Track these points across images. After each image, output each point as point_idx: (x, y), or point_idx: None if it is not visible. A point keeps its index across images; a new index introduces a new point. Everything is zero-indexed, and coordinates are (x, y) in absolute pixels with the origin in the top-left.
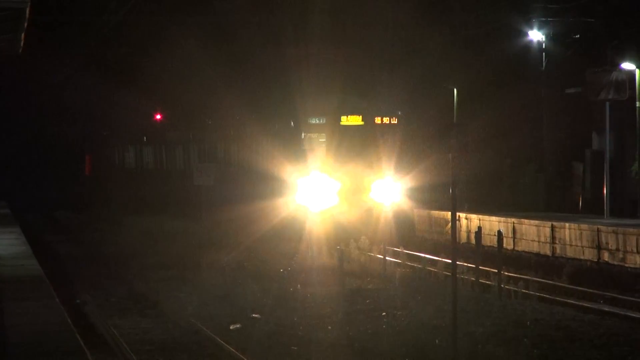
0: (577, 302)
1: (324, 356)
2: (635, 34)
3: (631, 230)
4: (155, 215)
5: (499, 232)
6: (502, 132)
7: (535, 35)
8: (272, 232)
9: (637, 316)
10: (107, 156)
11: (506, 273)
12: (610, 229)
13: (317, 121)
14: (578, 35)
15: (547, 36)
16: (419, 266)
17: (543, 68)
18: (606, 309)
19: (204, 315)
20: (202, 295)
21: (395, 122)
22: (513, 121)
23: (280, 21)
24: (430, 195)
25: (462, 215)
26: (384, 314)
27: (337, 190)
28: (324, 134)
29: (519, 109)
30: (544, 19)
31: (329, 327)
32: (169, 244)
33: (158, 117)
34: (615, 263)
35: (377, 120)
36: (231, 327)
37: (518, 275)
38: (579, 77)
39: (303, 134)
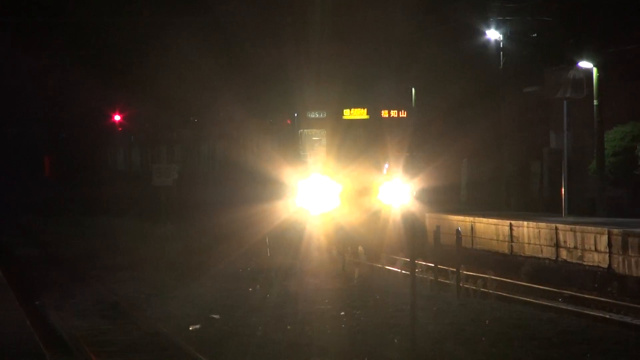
0: (535, 301)
1: (283, 356)
2: (593, 32)
3: (589, 228)
4: (119, 217)
5: (457, 231)
6: (462, 132)
7: (493, 35)
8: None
9: (595, 314)
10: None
11: (465, 272)
12: (568, 227)
13: (316, 115)
14: (535, 34)
15: (504, 35)
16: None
17: (501, 67)
18: (564, 307)
19: (164, 316)
20: (162, 296)
21: (405, 115)
22: (472, 120)
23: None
24: (437, 197)
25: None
26: (342, 313)
27: (339, 192)
28: (324, 130)
29: (478, 108)
30: (501, 18)
31: (288, 327)
32: (134, 245)
33: (117, 117)
34: (574, 261)
35: (384, 113)
36: (190, 328)
37: (477, 274)
38: (537, 75)
39: (300, 131)
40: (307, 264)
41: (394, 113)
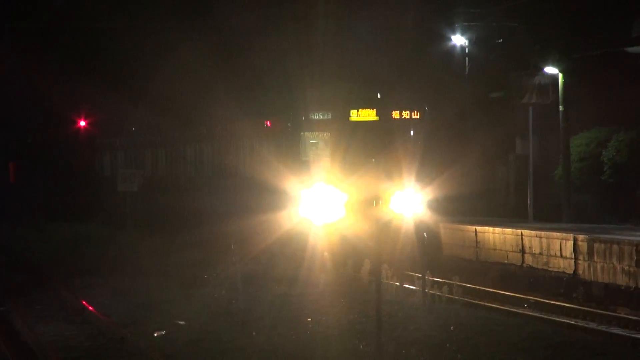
0: (501, 307)
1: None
2: (558, 38)
3: (554, 234)
4: (84, 223)
5: (423, 236)
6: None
7: (459, 40)
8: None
9: (561, 320)
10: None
11: (431, 277)
12: (533, 232)
13: (321, 117)
14: (501, 40)
15: (470, 40)
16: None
17: (466, 72)
18: (530, 313)
19: (129, 322)
20: (127, 302)
21: (418, 117)
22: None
23: None
24: (448, 205)
25: None
26: (309, 319)
27: (345, 202)
28: (329, 133)
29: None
30: (466, 23)
31: (254, 333)
32: (99, 250)
33: (82, 123)
34: (539, 267)
35: (395, 114)
36: (155, 334)
37: (443, 280)
38: (503, 81)
39: (302, 133)
40: (275, 270)
41: (405, 114)
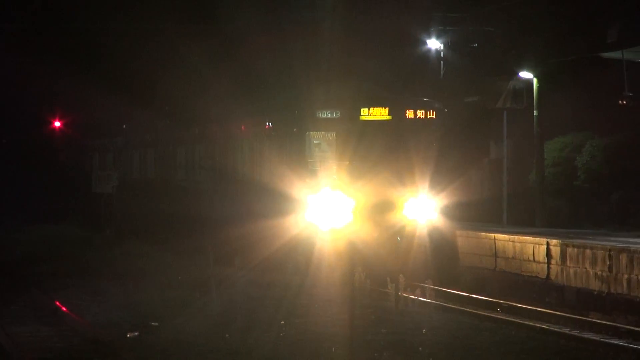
0: (474, 311)
1: None
2: (534, 43)
3: (528, 238)
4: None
5: (396, 240)
6: None
7: (434, 44)
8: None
9: (534, 324)
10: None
11: (404, 281)
12: (507, 237)
13: (329, 115)
14: (476, 44)
15: (445, 45)
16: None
17: (441, 77)
18: (503, 317)
19: (104, 323)
20: (102, 303)
21: (434, 116)
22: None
23: None
24: (462, 212)
25: None
26: (282, 322)
27: (355, 208)
28: (337, 133)
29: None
30: (442, 27)
31: (227, 335)
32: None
33: (57, 124)
34: (512, 272)
35: (409, 114)
36: (129, 335)
37: (416, 283)
38: (478, 85)
39: (308, 133)
40: (253, 273)
41: (420, 113)
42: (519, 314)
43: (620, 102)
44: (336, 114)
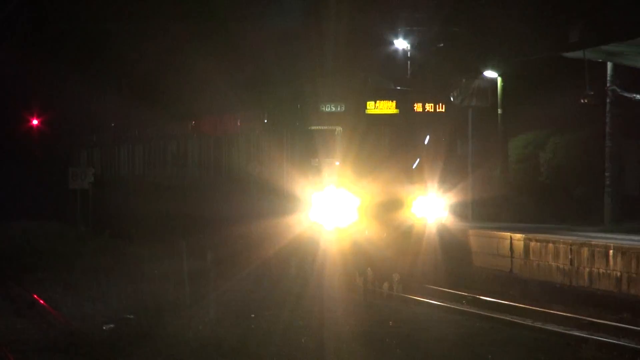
0: (440, 303)
1: (194, 356)
2: (498, 43)
3: (492, 233)
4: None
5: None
6: None
7: (401, 44)
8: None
9: (498, 316)
10: None
11: (372, 274)
12: (471, 232)
13: (333, 109)
14: (442, 44)
15: (412, 45)
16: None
17: (408, 76)
18: (468, 310)
19: (79, 316)
20: (75, 297)
21: (443, 110)
22: None
23: None
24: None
25: None
26: (253, 315)
27: (360, 206)
28: (341, 127)
29: None
30: (409, 28)
31: (200, 327)
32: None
33: (35, 122)
34: (477, 265)
35: (418, 107)
36: (104, 327)
37: (384, 276)
38: (444, 84)
39: (311, 127)
40: (223, 267)
41: (429, 107)
42: (484, 306)
43: (582, 100)
44: (341, 108)
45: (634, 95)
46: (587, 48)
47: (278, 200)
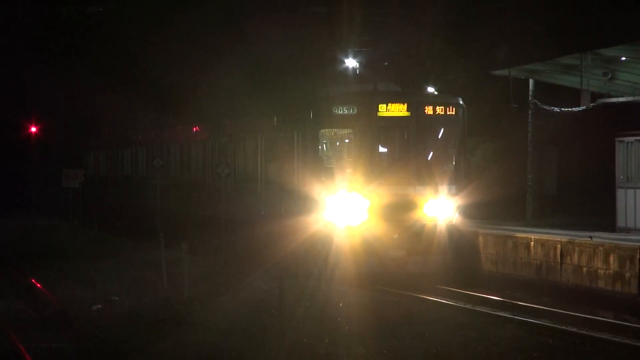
0: (384, 288)
1: (168, 332)
2: (435, 62)
3: None
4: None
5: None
6: None
7: (351, 63)
8: None
9: (433, 299)
10: None
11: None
12: None
13: (344, 111)
14: (387, 63)
15: (360, 63)
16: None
17: None
18: (406, 293)
19: (71, 298)
20: (67, 281)
21: (453, 113)
22: None
23: None
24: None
25: None
26: (222, 297)
27: (370, 207)
28: (353, 130)
29: None
30: (357, 49)
31: (175, 307)
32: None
33: (33, 129)
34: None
35: (428, 110)
36: (93, 308)
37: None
38: None
39: (322, 131)
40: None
41: (439, 109)
42: (422, 291)
43: (512, 105)
44: (353, 110)
45: (553, 107)
46: (512, 67)
47: (298, 202)
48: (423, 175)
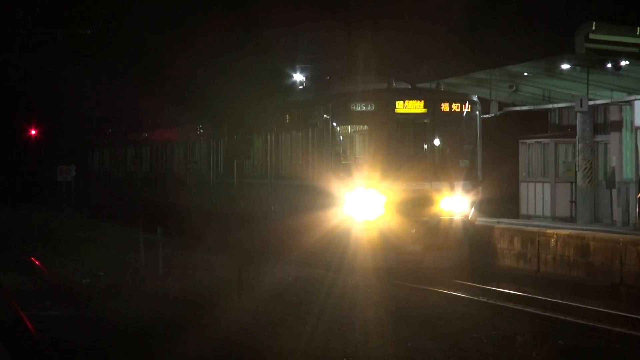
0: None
1: (147, 300)
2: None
3: None
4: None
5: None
6: None
7: (299, 77)
8: None
9: (397, 282)
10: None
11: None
12: None
13: (362, 108)
14: (328, 77)
15: (307, 78)
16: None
17: None
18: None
19: (64, 273)
20: (63, 259)
21: (469, 109)
22: None
23: None
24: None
25: None
26: (189, 271)
27: (386, 202)
28: (370, 127)
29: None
30: (304, 65)
31: (151, 280)
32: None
33: (33, 132)
34: None
35: (445, 107)
36: (83, 281)
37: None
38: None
39: (339, 128)
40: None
41: (455, 106)
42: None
43: None
44: (371, 107)
45: None
46: (432, 80)
47: (320, 198)
48: (439, 171)
